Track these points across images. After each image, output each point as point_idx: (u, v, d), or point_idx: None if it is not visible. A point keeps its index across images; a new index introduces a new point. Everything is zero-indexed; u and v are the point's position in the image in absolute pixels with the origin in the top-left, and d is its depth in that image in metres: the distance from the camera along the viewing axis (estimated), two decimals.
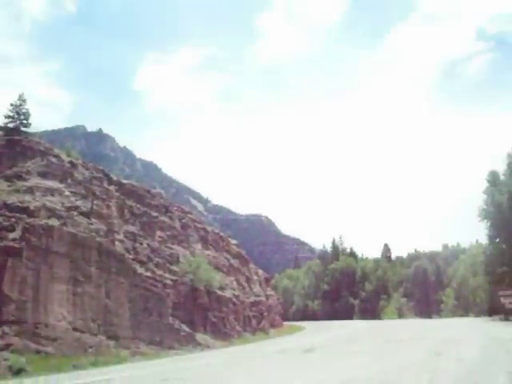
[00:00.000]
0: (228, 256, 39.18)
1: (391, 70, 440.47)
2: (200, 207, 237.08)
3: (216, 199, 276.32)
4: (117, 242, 24.29)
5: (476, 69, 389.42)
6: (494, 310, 42.21)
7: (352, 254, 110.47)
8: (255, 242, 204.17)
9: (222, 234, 43.35)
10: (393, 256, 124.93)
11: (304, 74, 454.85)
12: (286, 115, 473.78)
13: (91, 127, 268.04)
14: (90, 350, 19.23)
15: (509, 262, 42.24)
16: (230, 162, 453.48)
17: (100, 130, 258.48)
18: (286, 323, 52.38)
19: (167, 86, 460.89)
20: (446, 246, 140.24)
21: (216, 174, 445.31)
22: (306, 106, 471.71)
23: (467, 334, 25.22)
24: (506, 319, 34.39)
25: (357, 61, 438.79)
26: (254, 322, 36.96)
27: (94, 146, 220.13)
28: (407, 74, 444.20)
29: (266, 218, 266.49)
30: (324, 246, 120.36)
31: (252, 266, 46.37)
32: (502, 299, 36.22)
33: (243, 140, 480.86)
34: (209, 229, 39.93)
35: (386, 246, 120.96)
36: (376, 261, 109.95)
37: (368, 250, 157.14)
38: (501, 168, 45.91)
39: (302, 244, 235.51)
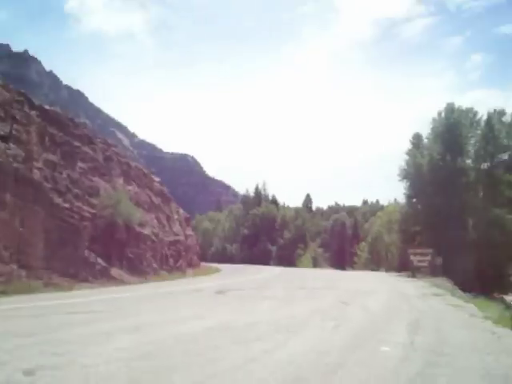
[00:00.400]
0: (150, 193, 38.76)
1: (331, 23, 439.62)
2: (126, 141, 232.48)
3: (143, 135, 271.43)
4: (35, 170, 23.43)
5: (414, 31, 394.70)
6: (404, 266, 44.14)
7: (274, 202, 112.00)
8: (179, 182, 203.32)
9: (145, 170, 42.71)
10: (313, 207, 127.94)
11: (241, 18, 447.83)
12: (219, 54, 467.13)
13: (16, 47, 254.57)
14: (0, 279, 18.76)
15: (422, 222, 44.12)
16: (160, 97, 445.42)
17: (26, 51, 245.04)
18: (203, 264, 52.90)
19: (99, 12, 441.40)
20: (365, 202, 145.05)
21: (145, 108, 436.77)
22: (240, 47, 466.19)
23: (376, 287, 26.35)
24: (413, 276, 36.07)
25: (296, 10, 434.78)
26: (171, 260, 37.09)
27: (18, 68, 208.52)
28: (346, 29, 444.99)
29: (193, 158, 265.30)
30: (247, 191, 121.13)
31: (174, 204, 46.16)
32: (412, 257, 37.81)
33: (175, 76, 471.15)
34: (132, 164, 39.19)
35: (307, 196, 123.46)
36: (297, 210, 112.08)
37: (290, 199, 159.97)
38: (425, 131, 47.38)
39: (227, 187, 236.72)
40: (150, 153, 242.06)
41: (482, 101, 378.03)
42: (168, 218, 41.07)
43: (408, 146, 47.46)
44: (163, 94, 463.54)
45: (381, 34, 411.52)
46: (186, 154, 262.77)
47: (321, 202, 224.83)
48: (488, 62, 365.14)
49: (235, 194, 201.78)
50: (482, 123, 43.85)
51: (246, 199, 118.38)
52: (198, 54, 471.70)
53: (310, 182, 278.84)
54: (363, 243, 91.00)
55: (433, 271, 35.66)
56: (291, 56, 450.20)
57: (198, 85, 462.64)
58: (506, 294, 45.13)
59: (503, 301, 28.44)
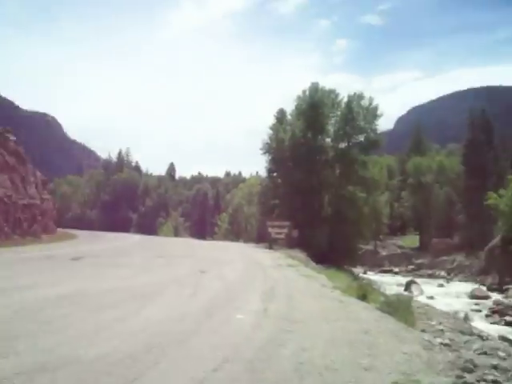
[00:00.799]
0: (4, 152, 36.34)
1: None
2: None
3: None
4: None
5: (286, 10, 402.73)
6: (262, 238, 45.35)
7: (137, 168, 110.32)
8: (37, 142, 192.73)
9: None
10: (177, 176, 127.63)
11: None
12: (86, 10, 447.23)
13: None
14: None
15: (281, 195, 45.53)
16: (19, 49, 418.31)
17: None
18: (60, 230, 50.99)
19: None
20: (228, 174, 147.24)
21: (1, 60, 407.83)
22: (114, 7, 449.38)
23: (234, 257, 26.81)
24: (271, 247, 37.14)
25: None
26: (25, 225, 35.26)
27: None
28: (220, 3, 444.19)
29: (53, 118, 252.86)
30: (109, 156, 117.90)
31: (30, 166, 43.71)
32: (270, 229, 38.89)
33: (35, 28, 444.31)
34: None
35: (171, 165, 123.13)
36: (160, 178, 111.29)
37: (154, 166, 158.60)
38: (290, 108, 48.61)
39: (89, 151, 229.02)
40: (6, 109, 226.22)
41: (344, 84, 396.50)
42: (23, 180, 38.87)
43: (273, 120, 48.53)
44: (23, 47, 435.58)
45: (254, 8, 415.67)
46: (45, 114, 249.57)
47: (184, 172, 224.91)
48: (351, 48, 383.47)
49: (98, 159, 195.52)
50: (343, 105, 45.71)
51: (107, 164, 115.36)
52: (63, 9, 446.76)
53: (175, 151, 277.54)
54: (224, 214, 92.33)
55: (289, 243, 36.95)
56: (169, 22, 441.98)
57: (65, 41, 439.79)
58: (355, 266, 48.38)
59: (352, 272, 30.34)
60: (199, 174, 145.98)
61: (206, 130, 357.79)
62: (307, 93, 45.71)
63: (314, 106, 44.17)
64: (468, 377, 7.42)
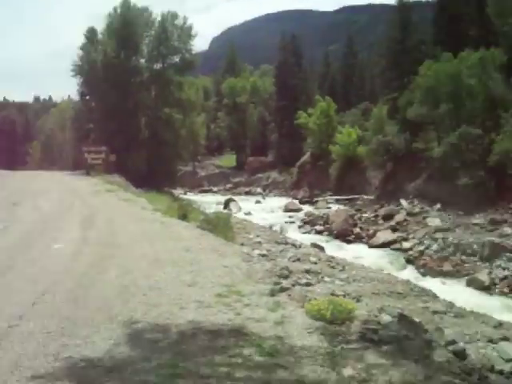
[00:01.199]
0: None
1: None
2: None
3: None
4: None
5: None
6: (78, 164, 43.70)
7: None
8: None
9: None
10: None
11: None
12: None
13: None
14: None
15: (96, 119, 43.91)
16: None
17: None
18: None
19: None
20: (37, 99, 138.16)
21: None
22: None
23: (49, 186, 25.59)
24: (88, 174, 36.05)
25: None
26: None
27: None
28: None
29: None
30: None
31: None
32: (86, 155, 37.53)
33: None
34: None
35: None
36: None
37: None
38: (100, 26, 46.11)
39: None
40: None
41: (156, 2, 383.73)
42: None
43: (83, 40, 45.75)
44: None
45: None
46: None
47: None
48: None
49: None
50: (157, 24, 44.39)
51: None
52: None
53: None
54: (36, 142, 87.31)
55: (107, 169, 36.06)
56: None
57: None
58: (175, 188, 48.88)
59: (172, 194, 30.65)
60: (4, 99, 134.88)
61: (8, 53, 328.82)
62: (118, 10, 43.62)
63: (127, 25, 42.33)
64: (284, 282, 8.00)
